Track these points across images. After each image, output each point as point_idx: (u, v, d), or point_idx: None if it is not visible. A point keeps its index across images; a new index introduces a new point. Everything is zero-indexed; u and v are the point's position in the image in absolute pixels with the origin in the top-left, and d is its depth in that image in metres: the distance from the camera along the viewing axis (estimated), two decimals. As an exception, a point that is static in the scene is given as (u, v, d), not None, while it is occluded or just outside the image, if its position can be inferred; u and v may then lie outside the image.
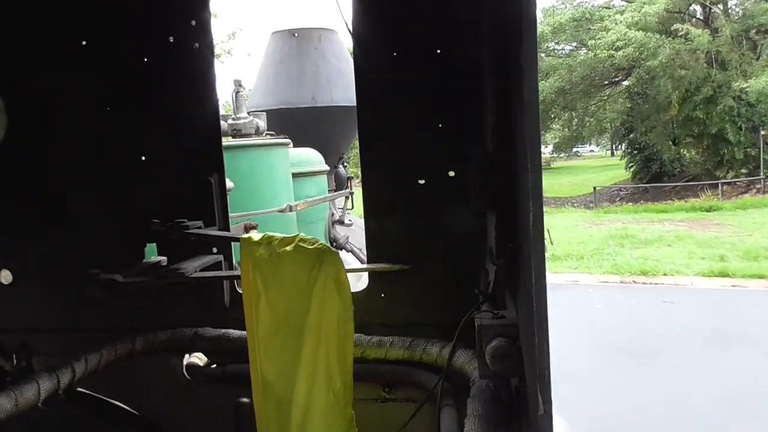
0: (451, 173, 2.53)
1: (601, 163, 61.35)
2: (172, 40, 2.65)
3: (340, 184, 9.24)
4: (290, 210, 5.46)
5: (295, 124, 8.29)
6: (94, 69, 2.73)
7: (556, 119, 48.20)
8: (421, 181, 2.58)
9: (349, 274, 2.24)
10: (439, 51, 2.49)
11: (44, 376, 2.32)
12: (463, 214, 2.48)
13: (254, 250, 2.19)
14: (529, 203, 1.40)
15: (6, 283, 2.91)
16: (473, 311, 2.16)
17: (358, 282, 2.93)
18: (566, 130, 51.03)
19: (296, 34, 8.99)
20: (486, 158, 2.32)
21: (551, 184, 45.82)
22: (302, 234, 2.14)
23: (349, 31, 2.60)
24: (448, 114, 2.51)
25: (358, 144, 2.69)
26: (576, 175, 52.94)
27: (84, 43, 2.68)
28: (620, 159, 44.12)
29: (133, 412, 2.85)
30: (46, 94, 2.76)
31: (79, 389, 2.74)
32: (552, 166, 57.51)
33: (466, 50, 2.41)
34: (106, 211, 2.81)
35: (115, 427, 2.76)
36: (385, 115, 2.61)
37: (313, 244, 2.09)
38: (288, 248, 2.11)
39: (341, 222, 8.46)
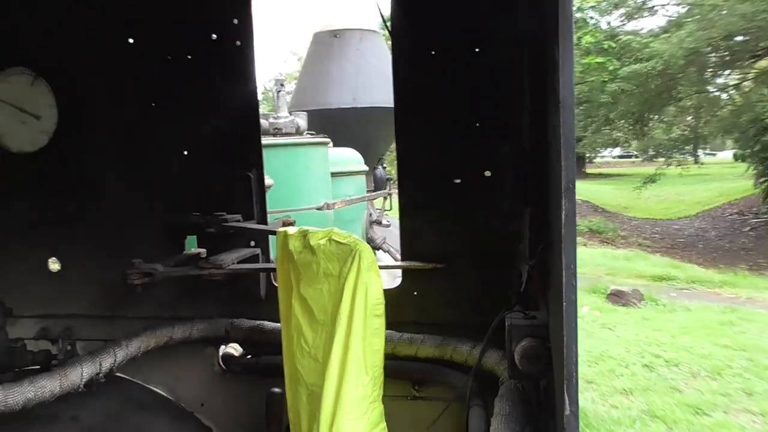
0: (487, 173, 2.53)
1: (715, 171, 40.72)
2: (214, 38, 2.72)
3: (379, 185, 9.27)
4: (327, 208, 5.52)
5: (336, 124, 8.35)
6: (139, 66, 2.82)
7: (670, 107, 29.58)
8: (457, 181, 2.58)
9: (385, 272, 2.26)
10: (477, 50, 2.49)
11: (87, 359, 2.41)
12: (498, 214, 2.47)
13: (289, 243, 2.24)
14: (562, 201, 1.39)
15: (54, 271, 3.03)
16: (505, 312, 2.15)
17: (394, 280, 2.94)
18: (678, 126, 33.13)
19: (337, 35, 9.07)
20: (522, 157, 2.31)
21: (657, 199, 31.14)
22: (336, 228, 2.17)
23: (388, 30, 2.62)
24: (485, 113, 2.51)
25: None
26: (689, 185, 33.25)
27: (131, 41, 2.78)
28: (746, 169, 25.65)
29: (170, 398, 2.93)
30: (93, 90, 2.86)
31: (118, 374, 2.84)
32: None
33: (503, 48, 2.40)
34: (148, 204, 2.90)
35: (152, 412, 2.84)
36: (421, 114, 2.62)
37: (346, 238, 2.12)
38: (321, 242, 2.14)
39: (379, 222, 8.48)
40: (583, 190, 31.18)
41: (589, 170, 48.23)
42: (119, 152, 2.91)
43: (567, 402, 1.42)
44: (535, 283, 2.03)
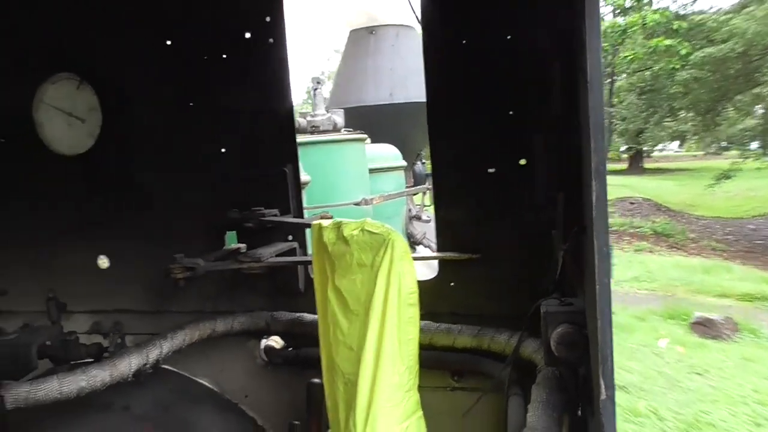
0: (522, 161, 2.51)
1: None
2: (248, 37, 2.78)
3: (418, 180, 9.28)
4: (365, 203, 5.56)
5: (374, 120, 8.40)
6: (177, 67, 2.90)
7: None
8: (491, 170, 2.57)
9: (423, 265, 2.28)
10: (509, 37, 2.47)
11: (135, 351, 2.51)
12: (534, 201, 2.45)
13: (323, 235, 2.27)
14: (592, 183, 1.38)
15: (103, 268, 3.16)
16: (542, 300, 2.13)
17: (433, 273, 2.95)
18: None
19: (373, 32, 9.11)
20: (555, 143, 2.29)
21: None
22: (369, 219, 2.20)
23: (418, 20, 2.63)
24: (519, 101, 2.49)
25: (430, 136, 2.70)
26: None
27: (168, 43, 2.86)
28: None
29: (215, 390, 3.01)
30: (134, 92, 2.96)
31: (167, 366, 2.93)
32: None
33: (534, 33, 2.38)
34: (190, 201, 2.98)
35: (198, 403, 2.92)
36: (454, 104, 2.61)
37: (379, 228, 2.14)
38: (354, 232, 2.17)
39: (418, 218, 8.49)
40: (642, 186, 28.73)
41: (647, 165, 44.58)
42: (160, 152, 3.00)
43: (603, 386, 1.41)
44: (570, 269, 2.01)
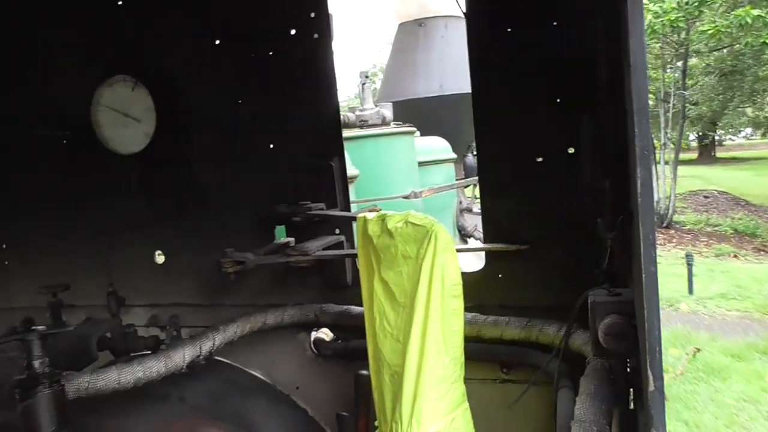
0: (571, 150, 2.45)
1: None
2: (293, 33, 2.82)
3: (468, 172, 9.19)
4: (415, 196, 5.55)
5: (423, 113, 8.37)
6: (226, 66, 2.97)
7: None
8: (539, 159, 2.52)
9: (473, 257, 2.26)
10: (555, 23, 2.41)
11: (188, 343, 2.59)
12: (582, 190, 2.39)
13: (368, 227, 2.28)
14: (637, 169, 1.34)
15: (159, 263, 3.27)
16: (590, 290, 2.08)
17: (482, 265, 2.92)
18: None
19: (422, 24, 9.06)
20: (602, 130, 2.22)
21: None
22: (413, 211, 2.19)
23: (461, 9, 2.60)
24: (566, 87, 2.43)
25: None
26: None
27: (217, 42, 2.93)
28: None
29: (267, 381, 3.08)
30: (186, 92, 3.05)
31: (221, 359, 3.02)
32: None
33: (580, 19, 2.32)
34: (241, 197, 3.05)
35: (252, 394, 2.99)
36: (499, 94, 2.58)
37: (422, 220, 2.13)
38: (398, 225, 2.17)
39: (469, 210, 8.42)
40: (716, 177, 26.59)
41: (720, 154, 41.56)
42: (212, 149, 3.08)
43: (651, 378, 1.37)
44: (618, 258, 1.96)
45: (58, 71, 3.29)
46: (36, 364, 1.60)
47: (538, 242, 2.55)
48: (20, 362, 1.98)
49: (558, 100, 2.45)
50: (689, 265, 11.82)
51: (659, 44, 18.97)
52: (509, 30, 2.49)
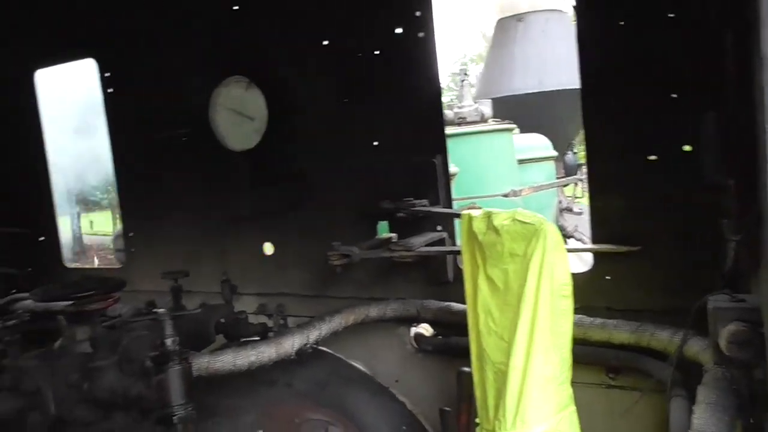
0: (687, 147, 2.33)
1: None
2: (398, 32, 2.86)
3: (569, 170, 8.93)
4: (514, 195, 5.47)
5: (522, 110, 8.22)
6: (333, 64, 3.07)
7: None
8: (652, 157, 2.42)
9: (576, 258, 2.21)
10: (671, 15, 2.30)
11: (297, 331, 2.71)
12: (700, 189, 2.27)
13: (473, 225, 2.29)
14: (767, 167, 1.27)
15: (269, 254, 3.44)
16: (709, 295, 1.98)
17: (586, 266, 2.85)
18: None
19: (521, 19, 8.89)
20: (726, 126, 2.10)
21: None
22: (521, 209, 2.18)
23: (573, 6, 2.54)
24: (682, 82, 2.32)
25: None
26: None
27: (325, 42, 3.03)
28: None
29: (368, 373, 3.16)
30: (296, 90, 3.18)
31: (324, 349, 3.13)
32: None
33: (700, 8, 2.20)
34: (346, 193, 3.15)
35: (353, 384, 3.08)
36: (611, 89, 2.50)
37: (531, 218, 2.11)
38: (505, 222, 2.16)
39: (570, 210, 8.19)
40: None
41: None
42: (319, 146, 3.20)
43: None
44: (744, 262, 1.85)
45: (181, 74, 3.53)
46: (168, 342, 1.74)
47: (650, 243, 2.45)
48: (154, 340, 2.17)
49: (674, 96, 2.34)
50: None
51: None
52: (621, 23, 2.41)
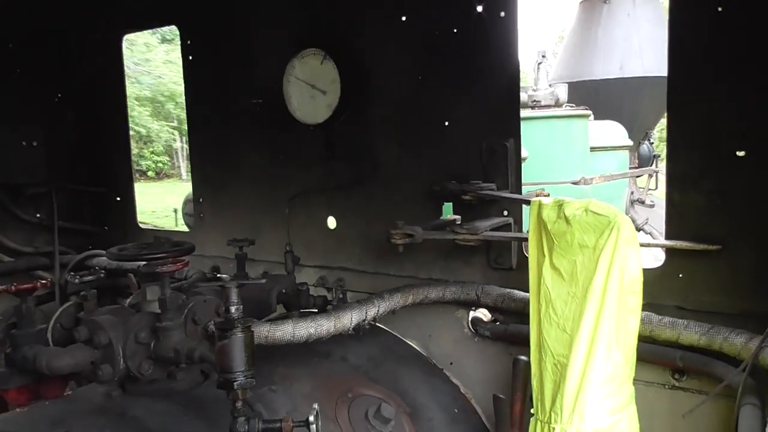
0: None
1: None
2: (479, 10, 2.78)
3: (643, 161, 8.58)
4: (584, 183, 5.30)
5: (600, 96, 7.92)
6: (410, 42, 3.02)
7: None
8: (740, 153, 2.28)
9: (645, 252, 2.12)
10: None
11: (356, 307, 2.73)
12: None
13: (543, 212, 2.23)
14: None
15: (332, 228, 3.47)
16: None
17: (654, 262, 2.73)
18: None
19: (607, 1, 8.51)
20: None
21: None
22: (594, 199, 2.10)
23: None
24: None
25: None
26: None
27: (403, 19, 2.99)
28: None
29: (422, 353, 3.16)
30: (371, 66, 3.16)
31: (380, 325, 3.15)
32: None
33: None
34: (412, 171, 3.12)
35: (406, 363, 3.09)
36: (701, 78, 2.35)
37: (605, 209, 2.03)
38: (577, 212, 2.08)
39: (641, 202, 7.88)
40: None
41: None
42: (390, 123, 3.18)
43: None
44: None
45: (258, 44, 3.58)
46: (232, 309, 1.78)
47: (731, 243, 2.32)
48: (218, 306, 2.23)
49: None
50: None
51: None
52: (720, 9, 2.25)
